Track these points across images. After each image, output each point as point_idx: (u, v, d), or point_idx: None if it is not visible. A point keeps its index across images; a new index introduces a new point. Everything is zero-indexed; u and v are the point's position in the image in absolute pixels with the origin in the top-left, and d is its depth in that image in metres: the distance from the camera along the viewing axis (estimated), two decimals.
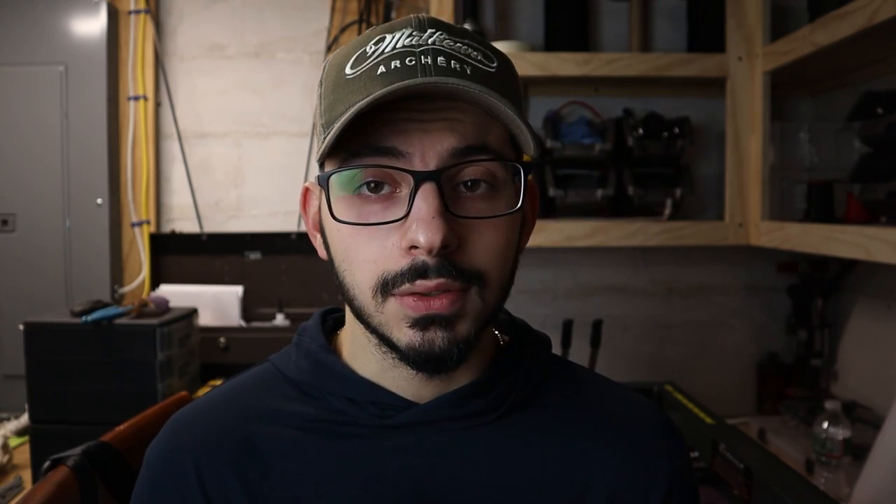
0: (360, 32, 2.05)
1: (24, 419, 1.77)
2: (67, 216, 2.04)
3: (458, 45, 0.54)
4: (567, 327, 1.80)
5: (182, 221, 2.12)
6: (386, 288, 0.52)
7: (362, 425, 0.59)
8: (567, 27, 1.91)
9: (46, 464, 0.81)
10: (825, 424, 1.46)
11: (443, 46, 0.53)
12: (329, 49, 2.09)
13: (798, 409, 1.74)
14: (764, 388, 2.02)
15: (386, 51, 0.53)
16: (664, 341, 2.06)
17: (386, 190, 0.53)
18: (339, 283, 0.57)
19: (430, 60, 0.51)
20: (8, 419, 1.85)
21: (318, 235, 0.60)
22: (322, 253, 0.60)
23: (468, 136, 0.52)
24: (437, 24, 0.55)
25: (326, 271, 0.59)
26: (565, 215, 1.85)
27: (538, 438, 0.60)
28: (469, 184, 0.53)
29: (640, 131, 1.81)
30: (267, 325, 1.98)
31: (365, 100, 0.49)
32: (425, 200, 0.50)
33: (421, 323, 0.52)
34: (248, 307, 2.02)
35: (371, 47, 0.54)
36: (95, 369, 1.58)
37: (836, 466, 1.44)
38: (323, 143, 0.53)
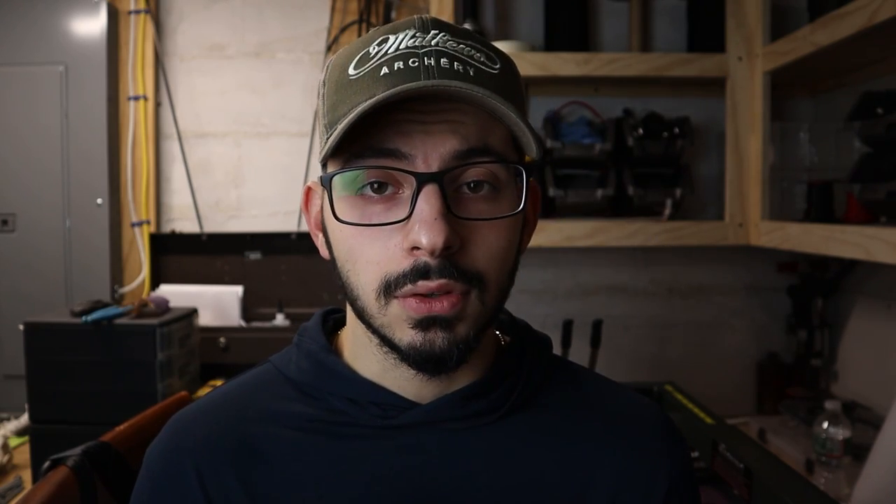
0: (360, 32, 2.05)
1: (24, 419, 1.77)
2: (67, 216, 2.04)
3: (462, 46, 0.54)
4: (567, 327, 1.80)
5: (182, 221, 2.12)
6: (389, 290, 0.53)
7: (363, 426, 0.59)
8: (567, 27, 1.91)
9: (46, 464, 0.81)
10: (825, 424, 1.46)
11: (446, 48, 0.53)
12: (329, 49, 2.09)
13: (798, 409, 1.74)
14: (764, 388, 2.02)
15: (389, 52, 0.53)
16: (664, 341, 2.06)
17: (389, 191, 0.53)
18: (341, 283, 0.57)
19: (433, 62, 0.52)
20: (8, 419, 1.85)
21: (321, 235, 0.60)
22: (324, 252, 0.60)
23: (470, 139, 0.52)
24: (440, 26, 0.55)
25: (326, 271, 0.59)
26: (565, 215, 1.85)
27: (539, 439, 0.60)
28: (471, 185, 0.54)
29: (640, 131, 1.81)
30: (267, 325, 1.98)
31: (368, 101, 0.49)
32: (427, 202, 0.51)
33: (422, 324, 0.53)
34: (248, 307, 2.02)
35: (374, 48, 0.54)
36: (95, 369, 1.58)
37: (836, 466, 1.44)
38: (326, 143, 0.53)
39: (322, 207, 0.59)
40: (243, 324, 1.97)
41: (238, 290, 1.99)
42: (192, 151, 2.11)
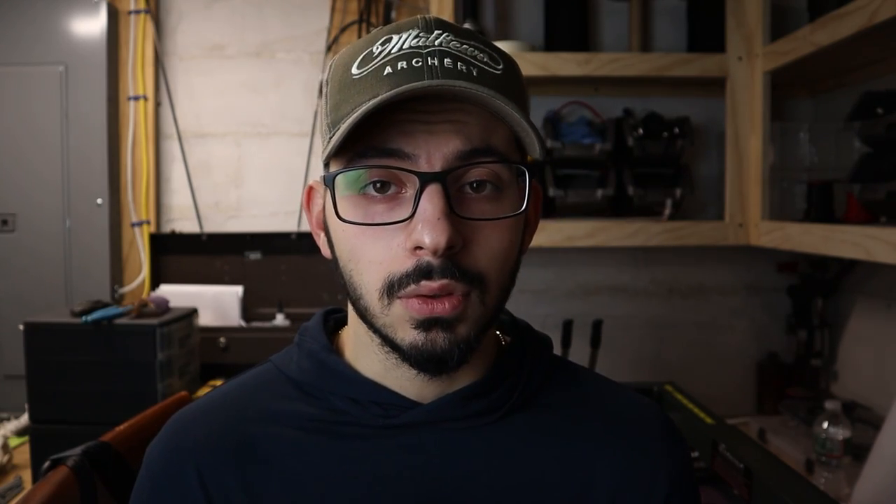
0: (360, 32, 2.06)
1: (24, 419, 1.77)
2: (67, 216, 2.04)
3: (465, 46, 0.54)
4: (567, 327, 1.80)
5: (182, 221, 2.12)
6: (392, 290, 0.53)
7: (365, 425, 0.59)
8: (567, 27, 1.91)
9: (46, 464, 0.81)
10: (825, 424, 1.46)
11: (449, 48, 0.53)
12: (329, 49, 2.09)
13: (798, 409, 1.74)
14: (764, 388, 2.02)
15: (393, 51, 0.53)
16: (664, 341, 2.06)
17: (391, 190, 0.53)
18: (343, 282, 0.57)
19: (436, 62, 0.52)
20: (8, 419, 1.85)
21: (322, 234, 0.60)
22: (326, 251, 0.60)
23: (473, 139, 0.53)
24: (443, 26, 0.55)
25: (326, 271, 0.59)
26: (565, 215, 1.85)
27: (540, 438, 0.61)
28: (474, 185, 0.54)
29: (640, 131, 1.81)
30: (267, 325, 1.98)
31: (372, 101, 0.49)
32: (430, 201, 0.51)
33: (424, 324, 0.53)
34: (248, 307, 2.02)
35: (378, 48, 0.54)
36: (95, 369, 1.58)
37: (836, 466, 1.44)
38: (328, 142, 0.53)
39: (324, 206, 0.59)
40: (243, 324, 1.97)
41: (238, 290, 1.99)
42: (191, 151, 2.11)
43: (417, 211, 0.51)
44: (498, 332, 0.67)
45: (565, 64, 1.76)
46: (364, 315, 0.56)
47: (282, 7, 2.10)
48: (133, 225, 2.08)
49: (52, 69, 2.02)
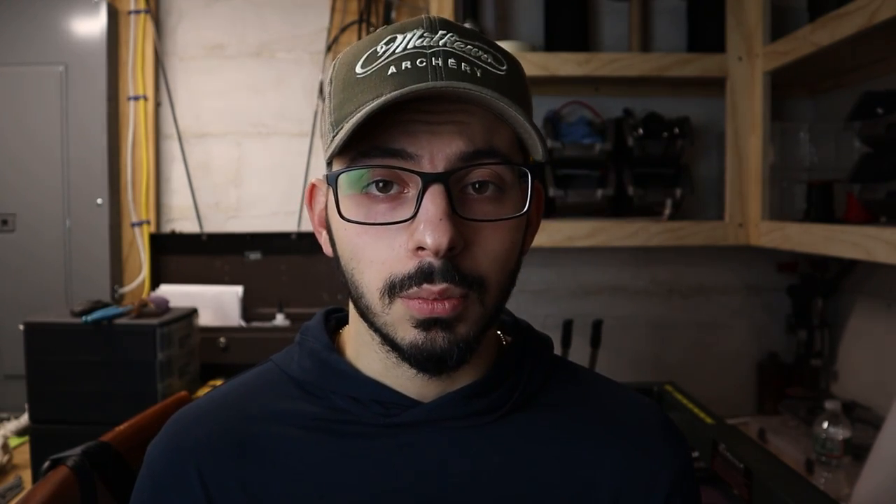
0: (360, 32, 2.06)
1: (24, 419, 1.77)
2: (67, 216, 2.04)
3: (469, 47, 0.54)
4: (567, 327, 1.80)
5: (182, 221, 2.12)
6: (393, 290, 0.53)
7: (366, 424, 0.59)
8: (567, 27, 1.91)
9: (46, 464, 0.81)
10: (825, 424, 1.46)
11: (453, 48, 0.53)
12: (329, 49, 2.09)
13: (798, 409, 1.74)
14: (764, 388, 2.02)
15: (397, 51, 0.53)
16: (664, 341, 2.06)
17: (394, 190, 0.53)
18: (345, 280, 0.57)
19: (440, 62, 0.52)
20: (8, 419, 1.85)
21: (324, 232, 0.61)
22: (327, 250, 0.60)
23: (476, 140, 0.53)
24: (447, 26, 0.55)
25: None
26: (565, 215, 1.85)
27: (541, 437, 0.61)
28: (476, 186, 0.54)
29: (640, 131, 1.81)
30: (267, 325, 1.98)
31: (376, 102, 0.49)
32: (433, 202, 0.51)
33: (424, 324, 0.53)
34: (248, 307, 2.02)
35: (382, 47, 0.54)
36: (95, 369, 1.58)
37: (836, 466, 1.44)
38: (332, 141, 0.54)
39: (326, 205, 0.59)
40: (243, 324, 1.97)
41: (238, 290, 1.99)
42: (191, 151, 2.11)
43: (420, 211, 0.51)
44: (499, 333, 0.67)
45: (565, 64, 1.76)
46: (365, 314, 0.56)
47: (282, 7, 2.10)
48: (133, 225, 2.08)
49: (52, 69, 2.02)
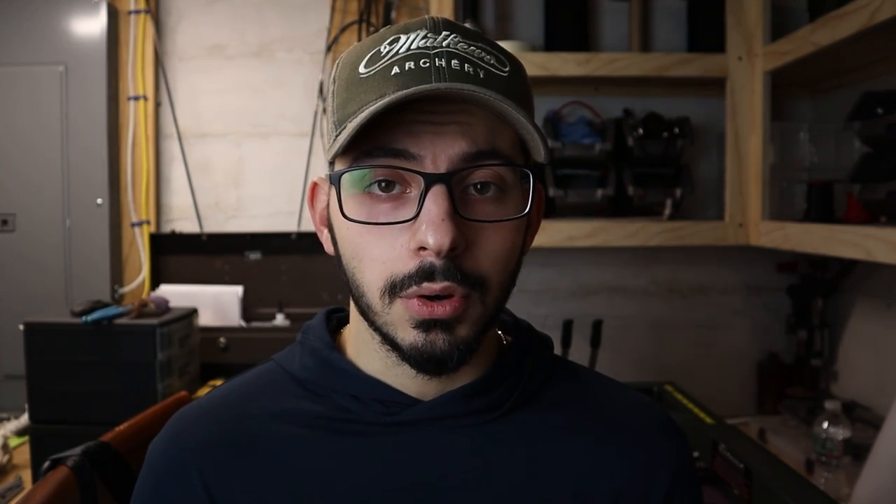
0: (360, 32, 2.06)
1: (24, 419, 1.77)
2: (67, 216, 2.04)
3: (472, 48, 0.54)
4: (567, 327, 1.80)
5: (182, 221, 2.12)
6: (394, 290, 0.53)
7: (367, 422, 0.59)
8: (567, 27, 1.91)
9: (46, 464, 0.81)
10: (825, 424, 1.46)
11: (457, 49, 0.53)
12: (329, 49, 2.09)
13: (798, 409, 1.74)
14: (764, 388, 2.02)
15: (400, 52, 0.53)
16: (664, 341, 2.06)
17: (396, 189, 0.54)
18: (346, 279, 0.57)
19: (443, 63, 0.52)
20: (8, 419, 1.85)
21: (325, 231, 0.61)
22: (329, 248, 0.60)
23: (479, 141, 0.53)
24: (451, 27, 0.55)
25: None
26: (565, 215, 1.85)
27: (541, 436, 0.61)
28: (478, 186, 0.54)
29: (640, 131, 1.81)
30: (267, 325, 1.98)
31: (380, 102, 0.50)
32: (435, 202, 0.51)
33: (424, 325, 0.53)
34: (248, 307, 2.02)
35: (385, 47, 0.54)
36: (95, 369, 1.58)
37: (836, 466, 1.44)
38: (334, 141, 0.54)
39: (328, 204, 0.59)
40: (243, 324, 1.97)
41: (238, 290, 1.99)
42: (191, 151, 2.11)
43: (422, 211, 0.51)
44: (499, 332, 0.67)
45: (565, 64, 1.76)
46: (365, 313, 0.56)
47: (282, 7, 2.10)
48: (133, 225, 2.08)
49: (52, 69, 2.02)
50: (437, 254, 0.51)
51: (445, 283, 0.52)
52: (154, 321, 1.60)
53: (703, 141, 2.00)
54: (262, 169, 2.12)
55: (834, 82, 1.86)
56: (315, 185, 0.63)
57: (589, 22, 1.97)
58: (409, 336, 0.54)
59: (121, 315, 1.60)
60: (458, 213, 0.52)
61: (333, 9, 2.09)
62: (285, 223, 2.11)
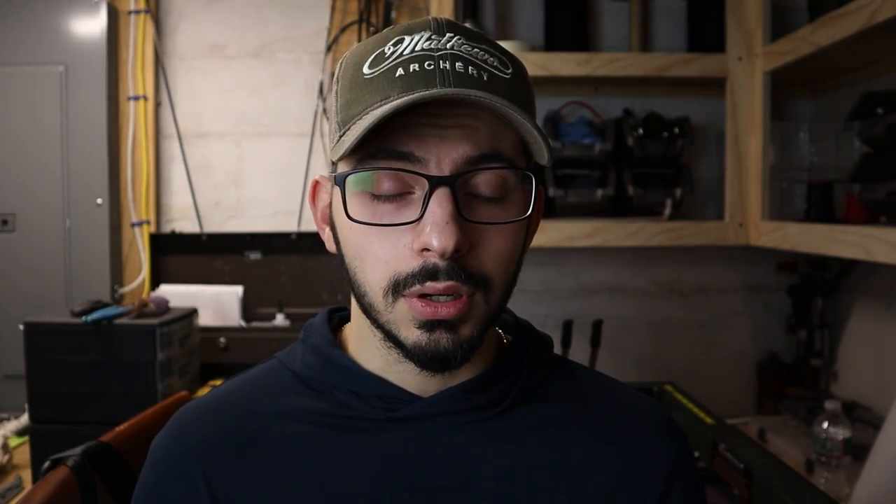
0: (360, 32, 2.06)
1: (24, 419, 1.77)
2: (67, 216, 2.04)
3: (476, 50, 0.54)
4: (567, 327, 1.80)
5: (182, 221, 2.12)
6: (397, 288, 0.53)
7: (368, 419, 0.60)
8: (567, 27, 1.91)
9: (46, 464, 0.81)
10: (825, 424, 1.46)
11: (461, 52, 0.54)
12: (329, 49, 2.09)
13: (798, 409, 1.75)
14: (764, 388, 2.02)
15: (405, 53, 0.53)
16: (664, 341, 2.06)
17: (400, 191, 0.54)
18: (349, 278, 0.58)
19: (447, 65, 0.52)
20: (8, 419, 1.85)
21: (327, 229, 0.61)
22: (331, 246, 0.61)
23: (482, 144, 0.53)
24: (455, 28, 0.55)
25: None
26: (565, 215, 1.85)
27: (539, 433, 0.61)
28: (481, 189, 0.54)
29: (640, 131, 1.81)
30: (267, 325, 1.98)
31: (385, 106, 0.50)
32: (440, 205, 0.51)
33: (428, 325, 0.54)
34: (248, 307, 2.02)
35: (390, 48, 0.54)
36: (95, 369, 1.58)
37: (836, 466, 1.44)
38: (339, 142, 0.54)
39: (331, 203, 0.60)
40: (243, 324, 1.97)
41: (238, 290, 1.99)
42: (192, 151, 2.11)
43: (426, 214, 0.52)
44: (500, 331, 0.67)
45: (565, 64, 1.76)
46: (368, 311, 0.57)
47: (282, 7, 2.10)
48: (133, 225, 2.08)
49: (52, 69, 2.02)
50: (441, 256, 0.51)
51: (449, 283, 0.52)
52: (154, 321, 1.60)
53: (703, 141, 2.00)
54: (262, 169, 2.12)
55: (834, 82, 1.86)
56: (317, 182, 0.63)
57: (589, 22, 1.97)
58: (412, 335, 0.54)
59: (121, 315, 1.60)
60: (461, 215, 0.52)
61: (333, 9, 2.09)
62: (285, 223, 2.11)
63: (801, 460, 1.52)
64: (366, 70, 0.54)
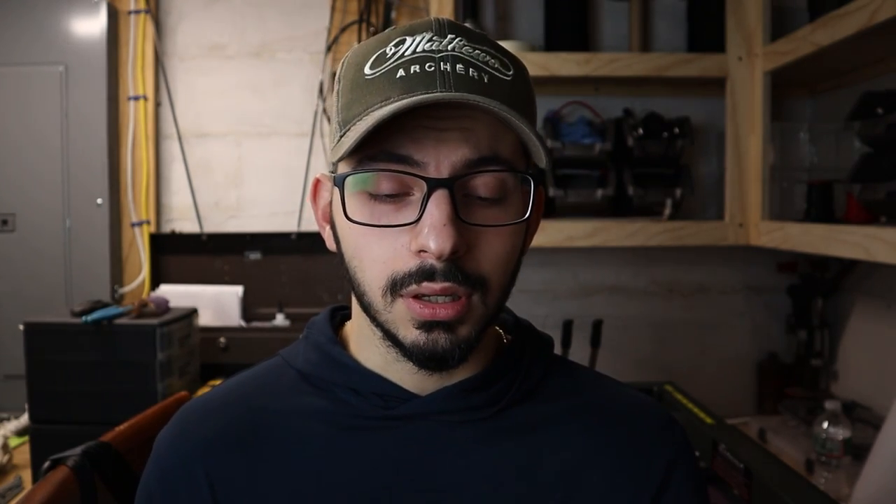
0: (359, 32, 2.06)
1: (24, 419, 1.77)
2: (67, 216, 2.04)
3: (477, 52, 0.55)
4: (567, 327, 1.80)
5: (182, 221, 2.12)
6: (395, 288, 0.54)
7: (367, 416, 0.60)
8: (567, 27, 1.91)
9: (46, 464, 0.81)
10: (825, 424, 1.46)
11: (462, 53, 0.54)
12: (329, 49, 2.09)
13: (798, 409, 1.75)
14: (764, 388, 2.02)
15: (406, 54, 0.53)
16: (664, 341, 2.06)
17: (399, 193, 0.54)
18: (348, 277, 0.58)
19: (448, 67, 0.52)
20: (8, 419, 1.85)
21: (328, 227, 0.62)
22: (331, 245, 0.61)
23: (481, 147, 0.53)
24: (456, 29, 0.55)
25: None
26: (565, 215, 1.85)
27: (537, 432, 0.61)
28: (480, 191, 0.55)
29: (640, 131, 1.81)
30: (267, 325, 1.98)
31: (385, 109, 0.50)
32: (438, 207, 0.51)
33: (426, 325, 0.54)
34: (248, 307, 2.02)
35: (391, 49, 0.54)
36: (95, 369, 1.58)
37: (836, 466, 1.44)
38: (338, 141, 0.55)
39: (331, 202, 0.60)
40: (243, 324, 1.97)
41: (238, 290, 1.99)
42: (192, 151, 2.11)
43: (424, 215, 0.52)
44: (500, 331, 0.67)
45: (565, 64, 1.76)
46: (367, 310, 0.57)
47: (282, 7, 2.10)
48: (133, 225, 2.08)
49: (52, 69, 2.02)
50: (439, 257, 0.51)
51: (446, 284, 0.52)
52: (154, 321, 1.60)
53: (703, 141, 2.00)
54: (262, 169, 2.12)
55: (834, 82, 1.86)
56: (318, 181, 0.63)
57: (589, 22, 1.97)
58: (410, 335, 0.54)
59: (121, 315, 1.60)
60: (459, 217, 0.52)
61: (333, 9, 2.09)
62: (285, 223, 2.11)
63: (801, 460, 1.52)
64: (367, 70, 0.54)
